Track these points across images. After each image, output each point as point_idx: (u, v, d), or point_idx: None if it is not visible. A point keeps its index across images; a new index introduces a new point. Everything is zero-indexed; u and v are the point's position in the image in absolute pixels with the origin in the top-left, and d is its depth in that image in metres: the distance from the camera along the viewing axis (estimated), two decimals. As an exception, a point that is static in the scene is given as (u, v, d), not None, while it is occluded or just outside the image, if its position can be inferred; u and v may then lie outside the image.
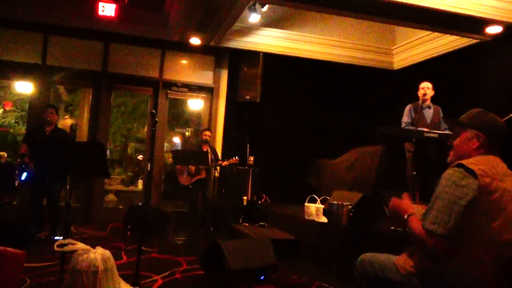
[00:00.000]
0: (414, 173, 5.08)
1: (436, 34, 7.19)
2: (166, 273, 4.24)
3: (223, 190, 7.59)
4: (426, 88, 5.80)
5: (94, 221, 7.16)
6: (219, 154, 7.54)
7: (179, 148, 12.31)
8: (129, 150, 13.07)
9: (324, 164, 7.56)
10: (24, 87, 7.97)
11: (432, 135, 5.05)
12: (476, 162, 2.04)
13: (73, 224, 6.52)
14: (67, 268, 3.00)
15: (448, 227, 1.94)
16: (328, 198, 5.37)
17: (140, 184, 10.31)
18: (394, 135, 5.26)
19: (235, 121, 7.97)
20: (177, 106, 11.95)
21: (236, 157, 6.94)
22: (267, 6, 6.87)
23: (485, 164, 2.04)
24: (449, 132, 5.05)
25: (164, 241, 5.94)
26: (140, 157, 12.12)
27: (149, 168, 3.82)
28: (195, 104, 9.94)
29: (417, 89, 5.91)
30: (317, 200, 5.42)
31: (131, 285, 3.30)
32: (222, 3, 5.96)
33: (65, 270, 3.13)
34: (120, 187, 10.51)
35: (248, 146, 7.71)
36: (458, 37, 6.76)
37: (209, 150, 7.03)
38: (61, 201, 5.90)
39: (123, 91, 10.54)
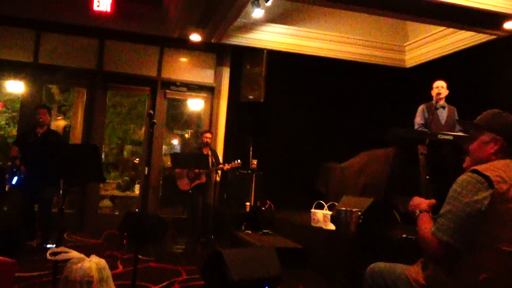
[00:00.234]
0: (428, 177, 5.06)
1: (450, 30, 7.18)
2: (164, 284, 4.25)
3: (225, 196, 7.59)
4: (440, 87, 5.79)
5: (89, 228, 7.17)
6: (220, 158, 7.55)
7: (178, 151, 12.32)
8: (126, 153, 13.09)
9: (332, 168, 7.56)
10: (15, 87, 8.01)
11: (446, 137, 5.04)
12: (493, 168, 2.01)
13: (66, 231, 6.55)
14: (60, 278, 3.01)
15: (454, 236, 1.94)
16: (336, 204, 5.36)
17: (137, 189, 10.31)
18: (407, 137, 5.25)
19: (237, 122, 7.98)
20: (176, 107, 11.96)
21: (239, 161, 6.94)
22: (271, 0, 6.88)
23: (503, 169, 2.01)
24: (465, 134, 5.04)
25: (162, 250, 5.94)
26: (137, 160, 12.14)
27: (146, 172, 3.84)
28: (195, 105, 9.95)
29: (430, 88, 5.90)
30: (324, 206, 5.42)
31: (127, 296, 3.31)
32: (224, -2, 5.99)
33: (58, 280, 3.14)
34: (116, 192, 10.54)
35: (251, 148, 7.71)
36: (474, 33, 6.75)
37: (209, 153, 7.04)
38: (53, 207, 5.92)
39: (119, 91, 10.54)
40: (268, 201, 7.41)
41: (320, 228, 5.17)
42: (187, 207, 7.25)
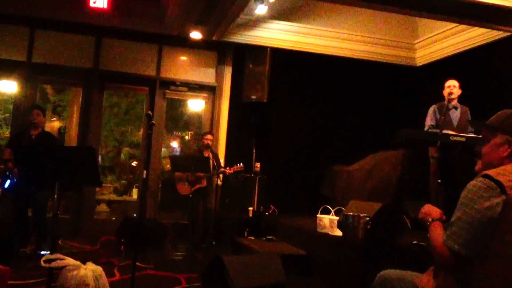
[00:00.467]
0: (439, 181, 5.06)
1: (463, 26, 7.17)
2: (163, 292, 4.25)
3: (227, 200, 7.59)
4: (452, 87, 5.78)
5: (84, 234, 7.18)
6: (222, 160, 7.55)
7: (178, 153, 12.34)
8: (123, 156, 13.12)
9: (338, 171, 7.55)
10: (8, 87, 8.04)
11: (459, 139, 5.03)
12: (505, 173, 1.99)
13: (61, 237, 6.55)
14: (55, 286, 3.02)
15: (465, 245, 1.93)
16: (343, 209, 5.36)
17: (134, 193, 10.34)
18: (417, 139, 5.24)
19: (239, 123, 7.99)
20: (175, 107, 11.98)
21: (241, 164, 6.95)
22: (275, -4, 6.90)
23: None
24: (478, 136, 5.02)
25: (161, 257, 5.95)
26: (134, 163, 12.16)
27: (144, 176, 3.85)
28: (196, 105, 9.96)
29: (442, 87, 5.90)
30: (330, 211, 5.41)
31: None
32: (226, -7, 6.00)
33: (52, 288, 3.15)
34: (113, 196, 10.56)
35: (254, 151, 7.71)
36: (488, 30, 6.74)
37: (210, 156, 7.05)
38: (48, 212, 5.93)
39: (117, 91, 10.59)
40: (271, 205, 7.42)
41: (326, 234, 5.17)
42: (187, 212, 7.25)
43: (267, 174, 7.51)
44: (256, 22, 7.68)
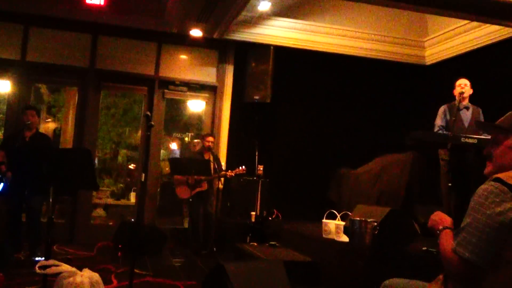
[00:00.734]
0: (450, 185, 5.05)
1: (474, 24, 7.17)
2: (162, 300, 4.26)
3: (228, 204, 7.59)
4: (463, 86, 5.78)
5: (80, 240, 7.19)
6: (223, 163, 7.55)
7: (177, 156, 12.35)
8: (120, 158, 13.13)
9: (345, 174, 7.55)
10: (1, 86, 8.05)
11: (470, 140, 5.02)
12: None
13: (55, 243, 6.56)
14: (50, 294, 3.02)
15: (476, 252, 1.91)
16: (350, 213, 5.36)
17: (132, 197, 10.35)
18: (426, 141, 5.24)
19: (242, 125, 7.99)
20: (175, 108, 12.00)
21: (243, 167, 6.95)
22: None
23: None
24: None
25: (160, 263, 5.95)
26: (132, 166, 12.17)
27: (143, 179, 3.84)
28: (196, 105, 9.98)
29: (452, 87, 5.90)
30: (336, 216, 5.41)
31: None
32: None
33: (47, 296, 3.16)
34: (110, 200, 10.56)
35: (256, 153, 7.71)
36: (500, 27, 6.73)
37: (211, 159, 7.05)
38: (42, 216, 5.94)
39: (114, 91, 10.60)
40: (275, 210, 7.42)
41: (332, 240, 5.16)
42: (187, 217, 7.26)
43: (270, 177, 7.50)
44: (258, 19, 7.69)
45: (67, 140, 9.46)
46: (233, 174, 6.98)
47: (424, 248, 4.45)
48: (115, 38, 7.80)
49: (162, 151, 8.73)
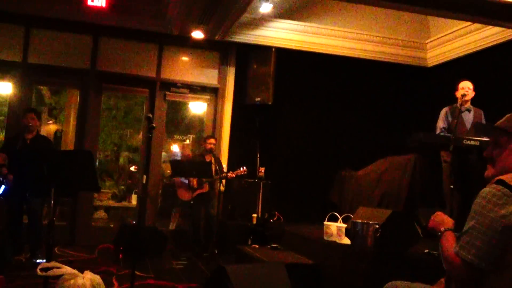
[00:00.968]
0: (452, 187, 5.04)
1: (476, 26, 7.17)
2: (163, 303, 4.25)
3: (229, 207, 7.59)
4: (467, 89, 5.77)
5: (81, 242, 7.20)
6: (225, 166, 7.55)
7: (179, 158, 12.34)
8: (122, 160, 13.13)
9: (346, 176, 7.54)
10: (2, 88, 8.07)
11: (472, 142, 5.02)
12: None
13: (56, 245, 6.56)
14: (51, 296, 3.02)
15: (480, 256, 1.91)
16: (352, 216, 5.35)
17: (134, 199, 10.35)
18: (428, 143, 5.23)
19: (243, 126, 7.99)
20: (176, 110, 12.00)
21: (244, 168, 6.95)
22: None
23: None
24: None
25: (161, 266, 5.95)
26: (134, 168, 12.18)
27: (144, 181, 3.84)
28: (197, 107, 9.98)
29: (454, 89, 5.89)
30: (338, 218, 5.40)
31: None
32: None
33: (48, 298, 3.16)
34: (111, 202, 10.56)
35: (258, 155, 7.72)
36: (503, 28, 6.73)
37: (212, 161, 7.05)
38: (43, 218, 5.94)
39: (115, 92, 10.60)
40: (276, 212, 7.40)
41: (334, 243, 5.15)
42: (188, 219, 7.25)
43: (272, 179, 7.50)
44: (260, 21, 7.70)
45: (69, 142, 9.47)
46: (234, 175, 6.98)
47: (426, 251, 4.45)
48: (117, 39, 7.81)
49: (163, 153, 8.72)
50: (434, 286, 2.24)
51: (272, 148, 7.92)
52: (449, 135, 5.35)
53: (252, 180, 7.41)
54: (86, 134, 7.67)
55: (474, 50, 7.45)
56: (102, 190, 10.36)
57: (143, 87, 8.03)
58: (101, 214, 9.80)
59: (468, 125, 5.79)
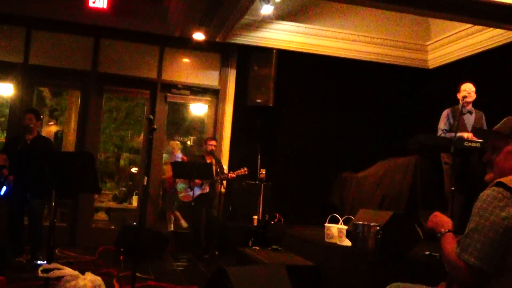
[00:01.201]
0: (453, 189, 5.04)
1: (477, 28, 7.17)
2: (164, 304, 4.25)
3: (230, 208, 7.59)
4: (469, 91, 5.76)
5: (82, 243, 7.20)
6: (226, 167, 7.54)
7: (179, 159, 12.34)
8: (122, 162, 13.14)
9: (347, 178, 7.54)
10: (4, 89, 8.07)
11: (473, 144, 5.02)
12: None
13: (57, 247, 6.56)
14: (52, 297, 3.02)
15: (481, 257, 1.91)
16: (353, 217, 5.35)
17: (134, 200, 10.35)
18: (429, 145, 5.23)
19: (244, 128, 7.99)
20: (177, 111, 12.01)
21: (245, 168, 6.94)
22: (281, -5, 6.91)
23: None
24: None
25: (162, 267, 5.95)
26: (134, 169, 12.18)
27: (145, 183, 3.85)
28: (198, 109, 10.00)
29: (455, 90, 5.89)
30: (339, 220, 5.40)
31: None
32: (230, -7, 6.02)
33: (49, 300, 3.16)
34: (112, 204, 10.57)
35: (259, 157, 7.72)
36: (504, 30, 6.73)
37: (213, 162, 7.05)
38: (44, 220, 5.94)
39: (116, 94, 10.63)
40: (277, 214, 7.40)
41: (335, 244, 5.15)
42: (189, 220, 7.25)
43: (273, 181, 7.50)
44: (261, 23, 7.70)
45: (70, 143, 9.49)
46: (234, 176, 6.98)
47: (427, 253, 4.44)
48: (118, 41, 7.82)
49: (164, 154, 8.72)
50: (435, 288, 2.24)
51: (273, 150, 7.92)
52: (450, 136, 5.35)
53: (253, 182, 7.41)
54: (87, 135, 7.67)
55: (475, 52, 7.45)
56: (103, 192, 10.37)
57: (144, 88, 8.04)
58: (102, 215, 9.81)
59: (469, 127, 5.78)
